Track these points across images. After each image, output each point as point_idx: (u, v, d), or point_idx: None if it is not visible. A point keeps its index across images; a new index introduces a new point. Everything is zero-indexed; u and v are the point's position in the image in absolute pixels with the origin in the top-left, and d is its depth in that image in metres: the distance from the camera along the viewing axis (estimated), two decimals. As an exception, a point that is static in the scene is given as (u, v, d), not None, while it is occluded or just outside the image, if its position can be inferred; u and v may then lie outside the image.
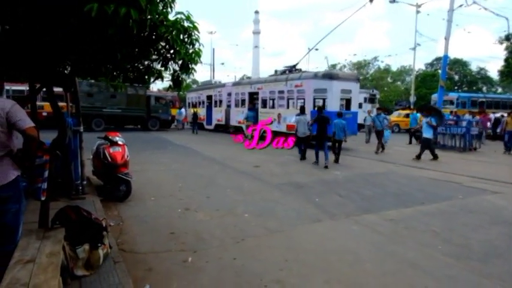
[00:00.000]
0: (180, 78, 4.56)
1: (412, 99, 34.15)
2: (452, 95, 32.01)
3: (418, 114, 20.60)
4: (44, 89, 4.98)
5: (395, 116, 31.28)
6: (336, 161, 12.10)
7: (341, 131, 11.96)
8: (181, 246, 4.71)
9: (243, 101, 22.50)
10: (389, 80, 59.30)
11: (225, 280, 3.87)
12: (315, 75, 17.19)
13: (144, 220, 5.76)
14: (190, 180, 8.96)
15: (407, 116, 21.33)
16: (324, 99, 17.33)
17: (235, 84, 24.79)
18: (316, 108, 13.77)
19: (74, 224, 3.71)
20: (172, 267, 4.11)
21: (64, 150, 6.13)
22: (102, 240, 3.85)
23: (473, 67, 55.52)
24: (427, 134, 13.11)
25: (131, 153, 7.32)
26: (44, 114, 17.59)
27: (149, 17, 3.40)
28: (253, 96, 21.67)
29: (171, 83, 4.74)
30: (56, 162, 5.42)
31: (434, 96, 27.00)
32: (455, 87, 50.49)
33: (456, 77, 54.55)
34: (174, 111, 29.42)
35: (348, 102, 17.31)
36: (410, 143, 19.80)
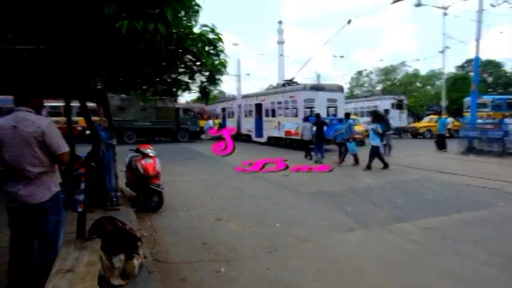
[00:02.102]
0: (207, 90, 4.64)
1: (444, 103, 33.10)
2: (487, 98, 30.79)
3: (448, 119, 19.90)
4: (79, 105, 5.17)
5: (427, 121, 30.45)
6: (342, 161, 13.74)
7: (341, 134, 13.68)
8: (214, 256, 4.73)
9: (251, 111, 25.27)
10: (418, 84, 57.75)
11: (258, 290, 3.85)
12: (304, 87, 19.84)
13: (177, 230, 5.83)
14: (221, 191, 9.01)
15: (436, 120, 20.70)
16: (312, 108, 19.11)
17: (244, 97, 27.87)
18: (314, 115, 15.65)
19: (109, 234, 3.80)
20: (205, 277, 4.13)
21: (98, 163, 6.33)
22: (136, 251, 3.92)
23: (508, 68, 53.31)
24: (374, 141, 12.44)
25: (162, 165, 7.45)
26: (79, 128, 18.21)
27: (175, 30, 3.49)
28: (259, 107, 24.13)
29: (198, 95, 4.82)
30: (91, 174, 5.60)
31: (467, 100, 26.04)
32: (489, 90, 48.55)
33: (490, 79, 52.53)
34: (202, 123, 29.83)
35: (335, 110, 19.57)
36: (441, 148, 18.79)
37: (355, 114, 30.98)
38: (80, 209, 3.84)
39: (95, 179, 6.36)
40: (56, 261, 2.82)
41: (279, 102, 21.57)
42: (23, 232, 3.00)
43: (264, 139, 23.57)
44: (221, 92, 56.26)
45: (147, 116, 25.00)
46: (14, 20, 3.56)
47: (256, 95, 25.99)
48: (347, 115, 14.36)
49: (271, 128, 22.41)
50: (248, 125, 25.70)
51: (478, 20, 18.09)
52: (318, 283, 4.00)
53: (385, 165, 12.24)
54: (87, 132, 5.35)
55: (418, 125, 31.34)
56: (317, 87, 19.91)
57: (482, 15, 18.13)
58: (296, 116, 19.57)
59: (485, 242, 5.23)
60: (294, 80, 23.03)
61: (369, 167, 12.16)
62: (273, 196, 8.40)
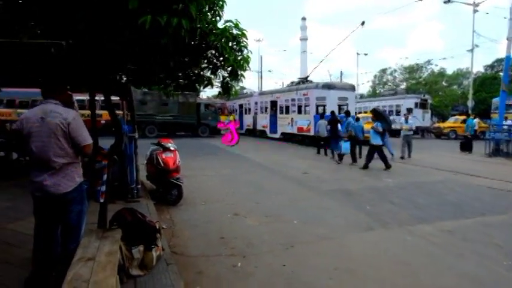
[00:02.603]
0: (229, 85, 4.65)
1: (470, 103, 32.14)
2: (517, 99, 29.76)
3: (475, 120, 19.33)
4: (103, 98, 5.28)
5: (452, 122, 29.68)
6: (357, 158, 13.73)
7: (359, 131, 13.67)
8: (231, 250, 4.76)
9: (266, 108, 26.20)
10: (444, 83, 56.33)
11: (275, 287, 3.86)
12: (317, 86, 20.44)
13: (195, 224, 5.90)
14: (240, 186, 9.06)
15: (464, 121, 20.09)
16: (324, 106, 19.87)
17: (260, 94, 28.79)
18: (330, 113, 15.85)
19: (129, 225, 3.88)
20: (222, 271, 4.16)
21: (121, 155, 6.46)
22: (155, 242, 3.99)
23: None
24: (375, 140, 12.09)
25: (182, 159, 7.55)
26: (102, 122, 18.59)
27: (199, 26, 3.51)
28: (274, 104, 25.01)
29: (220, 90, 4.84)
30: (113, 166, 5.72)
31: (496, 101, 25.16)
32: (520, 90, 46.86)
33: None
34: (223, 118, 29.92)
35: (346, 108, 19.12)
36: (465, 150, 18.23)
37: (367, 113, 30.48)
38: (101, 200, 3.94)
39: (116, 171, 6.50)
40: (77, 250, 2.90)
41: (293, 100, 22.31)
42: (47, 221, 3.09)
43: (277, 135, 24.25)
44: (243, 88, 56.47)
45: (168, 111, 25.32)
46: (45, 16, 3.67)
47: (272, 92, 26.85)
48: (347, 113, 14.33)
49: (284, 125, 23.15)
50: (263, 121, 26.61)
51: (510, 17, 17.45)
52: (335, 281, 3.98)
53: (387, 166, 11.83)
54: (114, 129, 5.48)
55: (442, 125, 30.60)
56: (329, 86, 20.46)
57: (515, 12, 17.46)
58: (308, 113, 20.40)
59: (509, 246, 5.07)
60: (309, 79, 23.60)
61: (365, 167, 11.97)
62: (292, 193, 8.39)
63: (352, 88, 21.71)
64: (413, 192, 8.57)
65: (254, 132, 28.20)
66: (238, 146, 15.19)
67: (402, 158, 14.50)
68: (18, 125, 3.00)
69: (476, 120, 20.17)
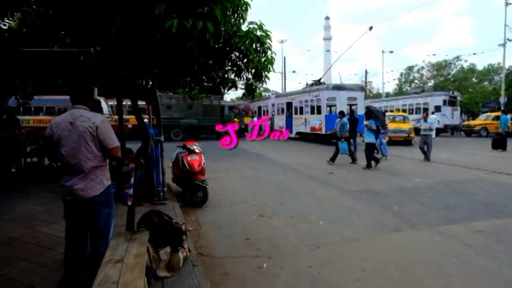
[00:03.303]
0: (254, 87, 4.66)
1: (503, 100, 30.96)
2: (552, 94, 28.48)
3: (508, 116, 18.58)
4: (130, 103, 5.40)
5: (483, 119, 28.69)
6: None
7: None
8: (257, 252, 4.76)
9: (282, 109, 27.74)
10: (474, 80, 54.51)
11: (301, 288, 3.83)
12: (327, 87, 21.78)
13: (220, 225, 5.93)
14: (264, 187, 9.05)
15: (496, 118, 19.37)
16: (333, 106, 21.14)
17: (277, 96, 30.63)
18: (348, 112, 16.55)
19: (156, 227, 3.94)
20: (247, 272, 4.17)
21: (147, 159, 6.58)
22: (182, 244, 4.04)
23: None
24: (369, 138, 11.86)
25: (207, 161, 7.61)
26: (129, 126, 19.00)
27: (223, 28, 3.54)
28: (289, 105, 26.65)
29: (244, 92, 4.86)
30: (140, 170, 5.83)
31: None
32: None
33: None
34: (247, 120, 30.10)
35: (355, 108, 20.36)
36: (497, 148, 17.40)
37: (403, 111, 29.88)
38: (129, 203, 4.02)
39: (143, 175, 6.62)
40: (106, 252, 2.96)
41: (306, 101, 23.75)
42: (77, 224, 3.17)
43: (293, 134, 25.23)
44: (266, 89, 56.46)
45: (193, 114, 25.64)
46: (76, 23, 3.79)
47: (287, 94, 28.85)
48: (341, 113, 14.03)
49: (299, 124, 24.56)
50: (280, 122, 27.97)
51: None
52: (362, 283, 3.91)
53: (368, 165, 11.70)
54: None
55: (472, 122, 29.66)
56: (338, 87, 21.72)
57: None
58: (320, 113, 21.62)
59: (547, 249, 4.84)
60: (322, 81, 25.05)
61: (368, 166, 11.74)
62: (317, 193, 8.31)
63: (361, 89, 23.13)
64: (443, 192, 8.32)
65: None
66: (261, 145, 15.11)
67: (427, 159, 13.44)
68: (48, 131, 3.08)
69: (510, 116, 19.38)
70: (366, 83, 59.30)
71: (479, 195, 7.98)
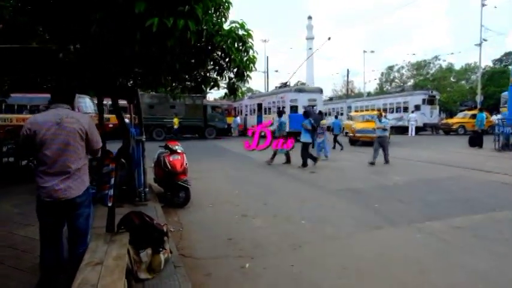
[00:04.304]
0: (236, 86, 4.64)
1: (479, 98, 31.83)
2: (526, 92, 29.41)
3: (484, 114, 19.14)
4: (110, 102, 5.32)
5: (461, 117, 29.40)
6: (334, 147, 17.20)
7: (338, 128, 18.08)
8: (239, 252, 4.74)
9: (254, 110, 30.27)
10: (452, 79, 55.78)
11: (283, 287, 3.84)
12: (290, 90, 25.03)
13: (203, 226, 5.89)
14: (247, 187, 9.05)
15: (473, 116, 19.93)
16: (296, 107, 23.68)
17: (249, 98, 33.65)
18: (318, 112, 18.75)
19: (137, 229, 3.88)
20: (230, 272, 4.15)
21: (128, 159, 6.48)
22: (163, 245, 3.99)
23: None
24: (304, 138, 12.15)
25: (190, 161, 7.55)
26: (110, 125, 18.70)
27: (205, 27, 3.51)
28: (260, 106, 29.09)
29: (226, 91, 4.83)
30: (121, 170, 5.75)
31: (505, 95, 24.88)
32: (529, 84, 46.26)
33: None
34: (229, 120, 30.09)
35: (314, 108, 22.58)
36: (474, 145, 17.90)
37: (384, 110, 30.37)
38: (109, 204, 3.94)
39: (124, 175, 6.53)
40: (85, 254, 2.90)
41: (274, 102, 26.51)
42: (54, 226, 3.09)
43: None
44: (249, 89, 56.43)
45: (175, 113, 25.45)
46: (55, 21, 3.70)
47: (258, 96, 32.39)
48: (279, 113, 14.46)
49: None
50: (252, 121, 30.08)
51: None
52: (343, 281, 3.95)
53: (304, 164, 12.01)
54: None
55: (450, 121, 30.34)
56: (300, 90, 25.28)
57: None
58: (284, 113, 22.26)
59: (520, 243, 4.99)
60: (288, 84, 28.01)
61: (304, 165, 12.02)
62: (300, 193, 8.35)
63: (320, 91, 26.35)
64: (422, 189, 8.50)
65: (245, 132, 30.52)
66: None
67: (372, 163, 12.24)
68: (28, 130, 2.94)
69: (485, 114, 19.97)
70: (347, 82, 60.02)
71: (457, 192, 8.18)
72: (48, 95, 3.49)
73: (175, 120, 24.90)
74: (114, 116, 6.93)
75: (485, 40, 32.62)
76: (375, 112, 21.60)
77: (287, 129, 16.55)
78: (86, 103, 18.94)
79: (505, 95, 24.78)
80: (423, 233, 5.43)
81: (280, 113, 14.56)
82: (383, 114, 13.73)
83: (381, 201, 7.37)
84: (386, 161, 12.51)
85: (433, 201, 7.29)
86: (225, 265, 4.35)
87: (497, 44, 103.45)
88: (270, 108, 27.07)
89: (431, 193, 8.06)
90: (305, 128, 12.25)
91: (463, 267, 4.25)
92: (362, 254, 4.71)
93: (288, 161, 13.08)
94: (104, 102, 8.30)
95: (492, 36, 62.39)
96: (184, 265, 4.12)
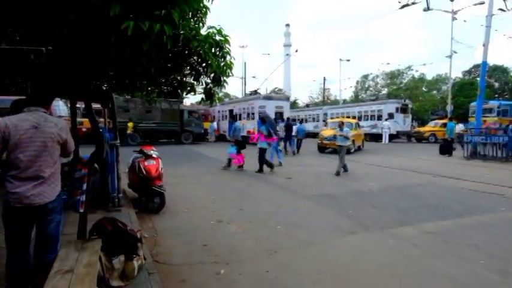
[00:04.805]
0: (212, 91, 4.63)
1: (449, 108, 32.98)
2: (493, 103, 30.68)
3: (454, 123, 19.93)
4: (84, 106, 5.21)
5: (432, 126, 30.34)
6: (298, 151, 19.81)
7: (302, 133, 20.54)
8: (215, 258, 4.71)
9: (226, 116, 31.23)
10: (424, 89, 57.58)
11: (258, 293, 3.84)
12: (259, 97, 26.51)
13: (178, 232, 5.82)
14: (223, 193, 9.01)
15: (444, 125, 20.68)
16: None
17: (221, 104, 34.75)
18: (286, 118, 21.95)
19: (110, 235, 3.80)
20: (205, 279, 4.12)
21: (102, 163, 6.35)
22: (137, 252, 3.92)
23: (515, 74, 52.99)
24: (261, 144, 12.54)
25: (165, 167, 7.46)
26: (84, 129, 18.28)
27: (182, 32, 3.50)
28: (231, 112, 30.13)
29: (203, 96, 4.82)
30: (94, 175, 5.61)
31: (473, 105, 25.89)
32: (496, 95, 48.30)
33: (496, 85, 52.23)
34: (206, 125, 29.96)
35: (281, 114, 25.27)
36: (444, 153, 18.65)
37: (359, 118, 31.01)
38: (81, 210, 3.85)
39: (97, 180, 6.38)
40: (55, 262, 2.81)
41: (244, 108, 27.76)
42: (23, 233, 2.98)
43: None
44: (227, 95, 56.39)
45: (151, 118, 25.13)
46: (25, 22, 3.59)
47: (230, 102, 34.04)
48: (232, 117, 14.95)
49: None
50: (224, 127, 31.07)
51: (487, 25, 17.97)
52: (319, 286, 3.99)
53: (260, 170, 12.33)
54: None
55: (422, 129, 31.25)
56: (268, 97, 27.16)
57: (491, 20, 18.02)
58: (253, 118, 25.01)
59: (486, 246, 5.19)
60: (258, 91, 29.21)
61: (260, 170, 12.34)
62: (275, 198, 8.39)
63: (287, 99, 28.96)
64: (395, 195, 8.69)
65: (220, 137, 31.59)
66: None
67: (344, 170, 12.06)
68: (3, 132, 2.80)
69: (455, 123, 20.77)
70: (324, 89, 60.90)
71: (428, 198, 8.41)
72: (16, 97, 3.39)
73: (130, 125, 23.61)
74: (87, 119, 6.77)
75: (455, 52, 33.78)
76: (350, 120, 22.07)
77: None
78: (59, 106, 18.50)
79: (473, 105, 25.80)
80: (396, 239, 5.55)
81: (234, 117, 14.85)
82: (344, 123, 12.87)
83: (355, 207, 7.49)
84: (338, 172, 11.71)
85: (405, 207, 7.47)
86: (200, 271, 4.31)
87: (467, 57, 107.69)
88: (240, 114, 27.95)
89: (403, 199, 8.26)
90: (261, 134, 12.56)
91: (433, 272, 4.37)
92: (337, 259, 4.77)
93: (229, 165, 13.22)
94: (78, 105, 8.11)
95: (462, 49, 65.04)
96: (159, 272, 4.06)
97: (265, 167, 12.50)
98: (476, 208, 7.44)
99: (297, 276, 4.22)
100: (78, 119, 9.01)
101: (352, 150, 19.08)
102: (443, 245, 5.29)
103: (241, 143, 13.37)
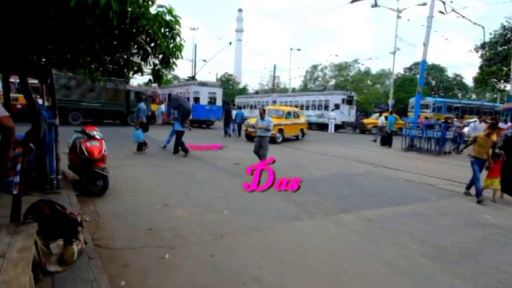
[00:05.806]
0: (160, 73, 4.49)
1: (391, 102, 34.77)
2: (429, 100, 32.87)
3: (393, 117, 21.17)
4: (18, 80, 4.84)
5: (374, 118, 31.78)
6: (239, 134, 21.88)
7: (240, 117, 22.30)
8: (159, 242, 4.66)
9: (165, 99, 32.09)
10: (369, 82, 60.03)
11: (203, 277, 3.86)
12: (194, 83, 28.92)
13: (122, 216, 5.66)
14: (170, 176, 8.87)
15: (385, 118, 21.84)
16: (198, 98, 27.83)
17: (161, 88, 34.96)
18: (224, 103, 26.86)
19: (47, 218, 3.61)
20: (149, 263, 4.06)
21: (38, 143, 5.97)
22: (76, 236, 3.77)
23: (450, 73, 56.96)
24: (177, 126, 12.84)
25: (109, 148, 7.18)
26: (19, 106, 17.01)
27: (130, 8, 3.34)
28: (169, 96, 30.36)
29: (150, 77, 4.67)
30: (29, 155, 5.27)
31: (412, 100, 27.61)
32: (432, 92, 51.58)
33: (433, 82, 55.74)
34: (154, 107, 29.10)
35: (215, 100, 28.63)
36: (384, 144, 19.65)
37: (307, 107, 31.76)
38: (14, 192, 3.61)
39: (33, 161, 6.01)
40: (-15, 247, 2.63)
41: (181, 93, 28.71)
42: None
43: (172, 121, 28.64)
44: (176, 77, 55.02)
45: (95, 97, 23.88)
46: None
47: (169, 86, 34.93)
48: (139, 98, 15.18)
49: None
50: (164, 109, 32.00)
51: (428, 25, 19.01)
52: (263, 270, 4.08)
53: (175, 151, 12.73)
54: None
55: (366, 121, 32.65)
56: (202, 84, 29.14)
57: (431, 21, 19.07)
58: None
59: (419, 233, 5.61)
60: (195, 77, 32.07)
61: (176, 151, 12.70)
62: (223, 183, 8.41)
63: (220, 86, 31.78)
64: (337, 183, 9.07)
65: (169, 121, 32.48)
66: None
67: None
68: None
69: (395, 116, 22.01)
70: (274, 77, 61.41)
71: (368, 186, 8.87)
72: None
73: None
74: (22, 95, 6.31)
75: (398, 49, 35.58)
76: (281, 107, 22.45)
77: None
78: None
79: (412, 100, 27.47)
80: (337, 225, 5.82)
81: (140, 98, 14.83)
82: (265, 111, 11.25)
83: (300, 193, 7.70)
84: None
85: (346, 195, 7.84)
86: (144, 256, 4.24)
87: (409, 54, 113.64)
88: None
89: (344, 187, 8.65)
90: (174, 117, 12.93)
91: (370, 256, 4.66)
92: (281, 244, 4.91)
93: (141, 149, 12.85)
94: (12, 80, 7.51)
95: (405, 47, 68.35)
96: (100, 256, 3.94)
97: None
98: (411, 197, 7.98)
99: (242, 260, 4.30)
100: (13, 95, 8.37)
101: (279, 140, 18.24)
102: (381, 232, 5.63)
103: (145, 125, 13.17)
